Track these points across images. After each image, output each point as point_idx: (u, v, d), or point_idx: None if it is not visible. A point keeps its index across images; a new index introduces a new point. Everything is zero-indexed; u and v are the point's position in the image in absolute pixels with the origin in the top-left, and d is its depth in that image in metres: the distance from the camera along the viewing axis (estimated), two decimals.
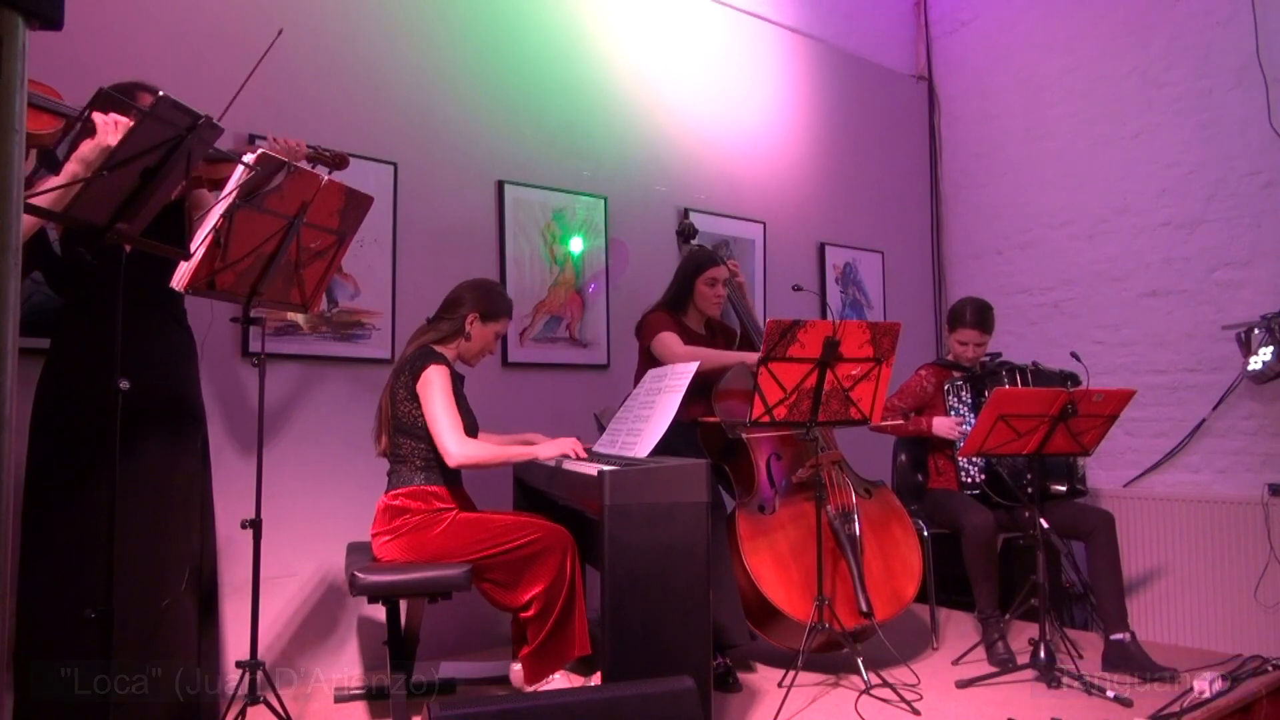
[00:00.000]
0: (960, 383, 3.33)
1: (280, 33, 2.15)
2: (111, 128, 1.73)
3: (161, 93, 1.66)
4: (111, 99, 1.67)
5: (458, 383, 2.58)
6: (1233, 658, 2.98)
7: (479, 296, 2.66)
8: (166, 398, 2.23)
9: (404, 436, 2.51)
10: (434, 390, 2.45)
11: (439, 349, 2.60)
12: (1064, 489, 3.26)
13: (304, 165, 2.31)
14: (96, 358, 2.02)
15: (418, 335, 2.67)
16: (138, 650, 2.09)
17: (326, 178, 2.20)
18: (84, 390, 2.06)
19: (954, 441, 3.27)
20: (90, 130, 1.74)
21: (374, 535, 2.49)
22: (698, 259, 3.25)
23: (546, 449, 2.47)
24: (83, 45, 2.54)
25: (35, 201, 1.64)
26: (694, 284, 3.19)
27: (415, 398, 2.48)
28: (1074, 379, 3.34)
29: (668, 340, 3.06)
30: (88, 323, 2.12)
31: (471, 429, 2.57)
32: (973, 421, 3.20)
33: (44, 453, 2.10)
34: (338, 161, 2.58)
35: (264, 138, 2.42)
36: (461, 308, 2.64)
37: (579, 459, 2.41)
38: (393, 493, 2.48)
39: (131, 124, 1.67)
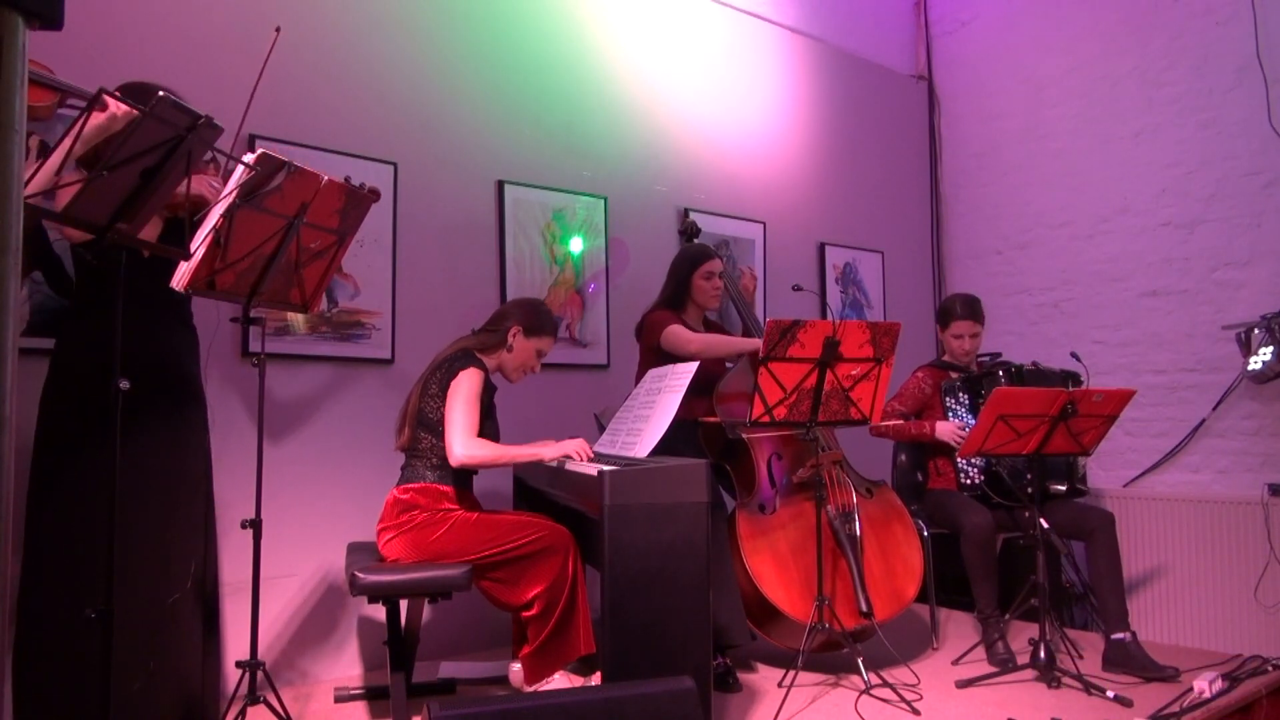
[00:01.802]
0: (957, 384, 3.32)
1: (279, 31, 2.16)
2: (117, 108, 1.74)
3: (162, 92, 1.66)
4: (125, 99, 1.68)
5: (489, 392, 2.59)
6: (1233, 658, 2.98)
7: (524, 312, 2.73)
8: (173, 396, 2.25)
9: (425, 431, 2.52)
10: (461, 390, 2.48)
11: (480, 355, 2.62)
12: (1063, 489, 3.25)
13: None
14: (101, 358, 2.03)
15: (459, 341, 2.71)
16: (142, 647, 2.10)
17: (326, 178, 2.20)
18: (89, 390, 2.06)
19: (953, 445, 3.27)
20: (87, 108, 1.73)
21: (380, 530, 2.50)
22: (692, 254, 3.25)
23: (551, 449, 2.46)
24: (83, 45, 2.54)
25: (32, 189, 1.64)
26: (691, 279, 3.19)
27: (445, 394, 2.50)
28: (1075, 378, 3.33)
29: (677, 331, 3.06)
30: (92, 323, 2.13)
31: (492, 439, 2.58)
32: (971, 423, 3.20)
33: (49, 452, 2.11)
34: (369, 195, 2.60)
35: (262, 138, 2.42)
36: (506, 321, 2.70)
37: (583, 460, 2.42)
38: (403, 487, 2.50)
39: (134, 114, 1.67)
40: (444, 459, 2.49)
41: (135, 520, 2.11)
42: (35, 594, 2.07)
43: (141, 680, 2.10)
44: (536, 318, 2.72)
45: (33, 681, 2.05)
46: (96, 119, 1.72)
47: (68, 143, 1.69)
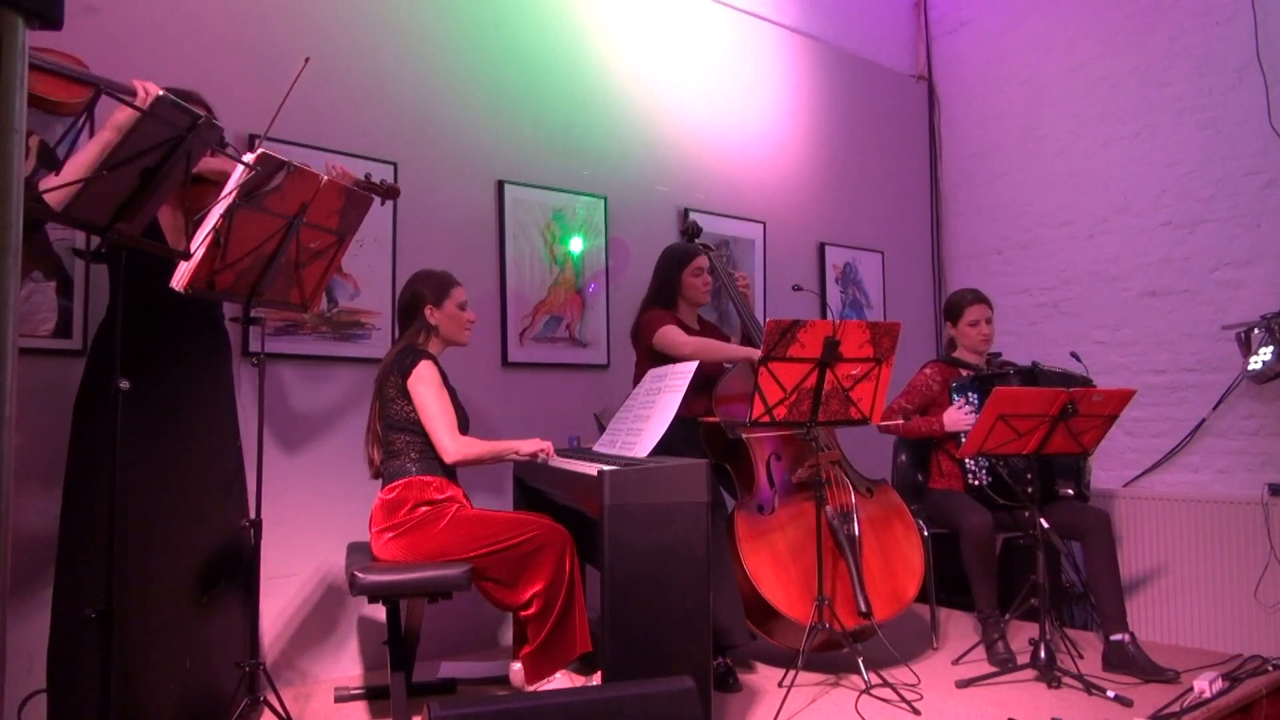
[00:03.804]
0: (968, 383, 3.29)
1: (307, 61, 2.24)
2: (144, 95, 1.77)
3: (161, 92, 1.67)
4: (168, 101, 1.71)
5: (444, 378, 2.61)
6: (1233, 658, 2.98)
7: (423, 287, 2.69)
8: (208, 396, 2.31)
9: (397, 432, 2.53)
10: (427, 387, 2.50)
11: (422, 348, 2.63)
12: (1070, 492, 3.22)
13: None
14: (134, 357, 2.04)
15: (393, 348, 2.69)
16: (179, 646, 2.14)
17: (326, 178, 2.21)
18: (138, 388, 2.08)
19: (961, 432, 3.24)
20: (122, 101, 1.75)
21: (375, 532, 2.49)
22: (681, 252, 3.24)
23: (526, 445, 2.55)
24: (82, 45, 2.54)
25: (60, 179, 1.65)
26: (681, 276, 3.19)
27: (406, 395, 2.51)
28: (1086, 383, 3.27)
29: (671, 333, 3.04)
30: (125, 324, 2.15)
31: (464, 422, 2.60)
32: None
33: (83, 453, 2.13)
34: (390, 192, 2.60)
35: (262, 138, 2.43)
36: (417, 306, 2.67)
37: (550, 458, 2.52)
38: (388, 487, 2.50)
39: (159, 93, 1.71)
40: (423, 452, 2.52)
41: (173, 519, 2.15)
42: (69, 593, 2.08)
43: (177, 681, 2.11)
44: (435, 284, 2.69)
45: (66, 681, 2.06)
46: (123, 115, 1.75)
47: (106, 135, 1.72)
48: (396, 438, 2.53)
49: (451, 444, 2.47)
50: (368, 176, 2.47)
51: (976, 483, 3.19)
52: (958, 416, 3.21)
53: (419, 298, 2.67)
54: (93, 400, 2.16)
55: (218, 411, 2.35)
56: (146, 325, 2.18)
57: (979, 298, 3.42)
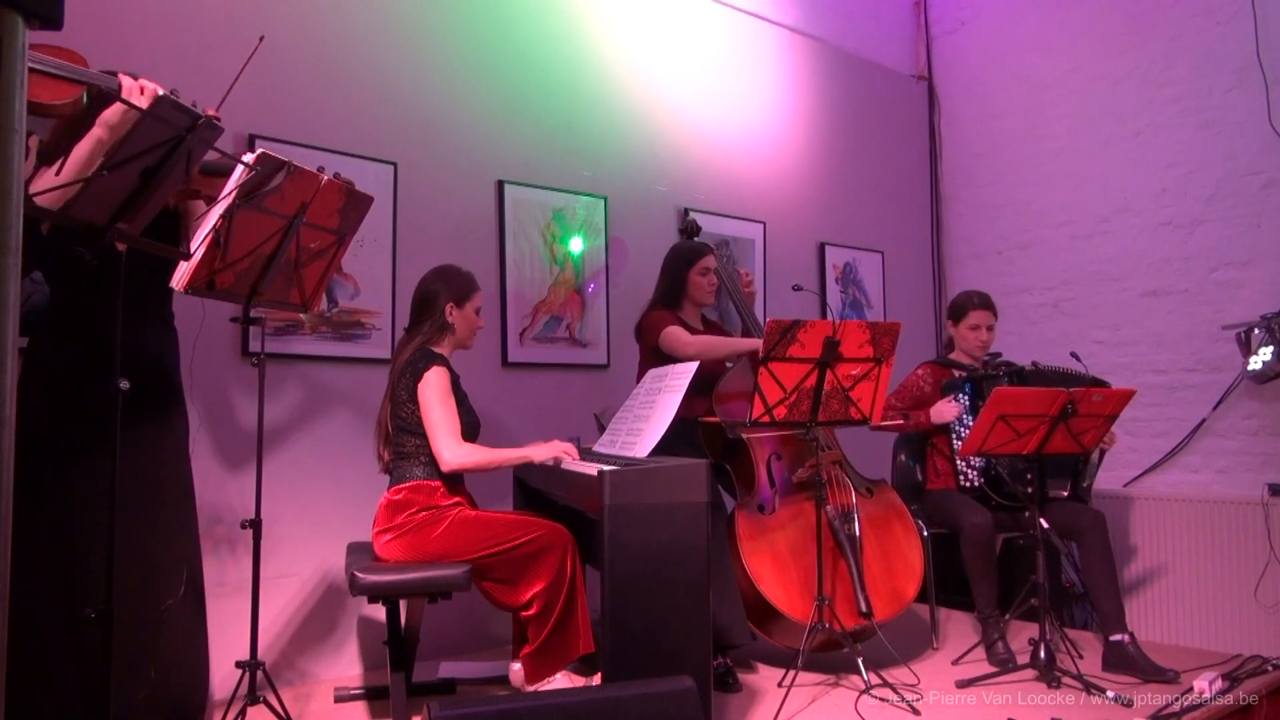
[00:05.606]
0: (959, 381, 3.31)
1: (262, 39, 2.16)
2: (138, 91, 1.74)
3: (162, 92, 1.66)
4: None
5: (456, 382, 2.59)
6: (1233, 658, 2.98)
7: (446, 285, 2.65)
8: (156, 397, 2.22)
9: (407, 435, 2.52)
10: (433, 394, 2.47)
11: (436, 350, 2.60)
12: (1064, 494, 3.23)
13: None
14: (91, 357, 2.01)
15: (403, 346, 2.67)
16: (138, 653, 2.08)
17: (326, 178, 2.20)
18: (70, 389, 2.03)
19: (953, 432, 3.25)
20: (113, 97, 1.73)
21: (376, 533, 2.49)
22: (688, 251, 3.25)
23: (540, 451, 2.48)
24: (81, 45, 2.54)
25: (59, 179, 1.64)
26: (688, 276, 3.19)
27: (416, 399, 2.49)
28: (1089, 381, 3.25)
29: (676, 333, 3.05)
30: (73, 321, 2.09)
31: (473, 428, 2.58)
32: (970, 422, 3.19)
33: (26, 453, 2.07)
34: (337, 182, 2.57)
35: (262, 138, 2.42)
36: (437, 301, 2.63)
37: (574, 461, 2.43)
38: (395, 488, 2.49)
39: (160, 92, 1.68)
40: (431, 457, 2.49)
41: (122, 524, 2.08)
42: (26, 597, 2.04)
43: (146, 690, 2.08)
44: (460, 284, 2.67)
45: (29, 685, 2.03)
46: (120, 107, 1.72)
47: (97, 132, 1.69)
48: (407, 440, 2.52)
49: (448, 453, 2.43)
50: (320, 170, 2.44)
51: (968, 483, 3.20)
52: (944, 408, 3.22)
53: (440, 295, 2.64)
54: (42, 399, 2.06)
55: (168, 414, 2.26)
56: (99, 324, 2.06)
57: (985, 303, 3.40)
